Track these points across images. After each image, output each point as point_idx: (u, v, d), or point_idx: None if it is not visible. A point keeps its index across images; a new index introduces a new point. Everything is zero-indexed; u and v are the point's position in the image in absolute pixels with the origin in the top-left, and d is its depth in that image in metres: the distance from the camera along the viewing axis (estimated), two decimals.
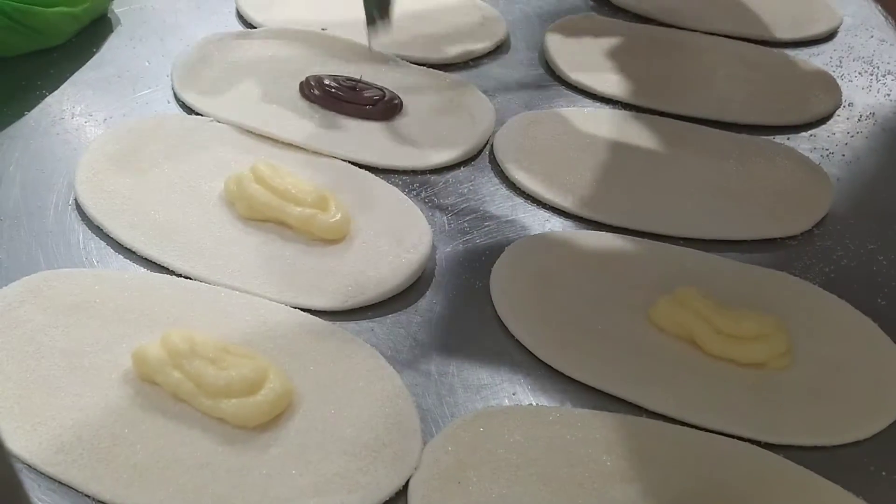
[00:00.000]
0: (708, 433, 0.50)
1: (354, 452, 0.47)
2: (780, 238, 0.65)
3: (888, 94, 0.83)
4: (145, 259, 0.57)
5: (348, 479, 0.45)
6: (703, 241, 0.64)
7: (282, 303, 0.55)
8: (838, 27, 0.92)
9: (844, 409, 0.52)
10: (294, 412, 0.48)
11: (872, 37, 0.92)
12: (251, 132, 0.68)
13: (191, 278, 0.56)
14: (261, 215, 0.60)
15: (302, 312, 0.54)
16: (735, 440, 0.50)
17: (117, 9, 0.81)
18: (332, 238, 0.59)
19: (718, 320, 0.54)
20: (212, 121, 0.69)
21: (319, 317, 0.55)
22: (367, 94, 0.71)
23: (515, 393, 0.53)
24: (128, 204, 0.60)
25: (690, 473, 0.48)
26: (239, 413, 0.47)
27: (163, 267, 0.57)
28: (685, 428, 0.51)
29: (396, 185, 0.66)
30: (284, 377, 0.49)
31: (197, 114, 0.70)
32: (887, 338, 0.57)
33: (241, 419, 0.47)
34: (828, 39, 0.91)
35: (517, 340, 0.55)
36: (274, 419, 0.48)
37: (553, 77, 0.81)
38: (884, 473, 0.50)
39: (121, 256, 0.57)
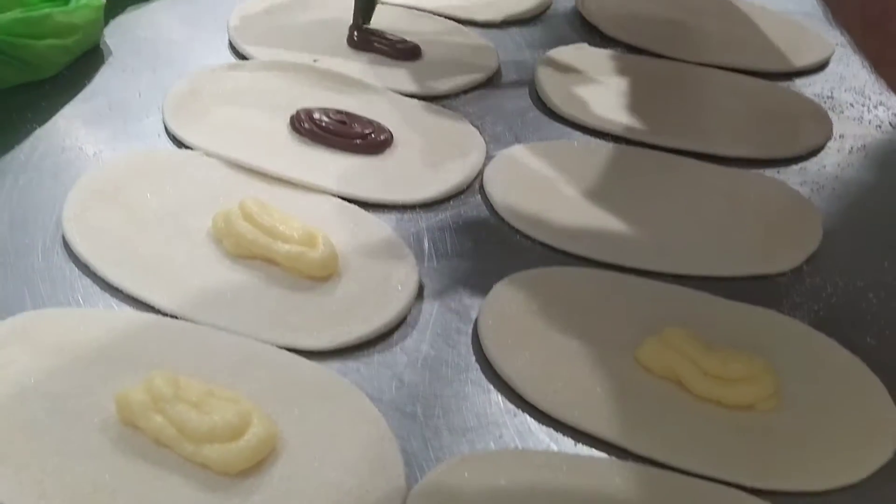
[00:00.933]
0: (695, 478, 0.50)
1: (338, 499, 0.46)
2: (769, 274, 0.65)
3: (879, 126, 0.84)
4: (132, 297, 0.57)
5: None
6: (693, 277, 0.64)
7: (268, 342, 0.55)
8: (830, 57, 0.93)
9: (834, 453, 0.52)
10: (278, 457, 0.48)
11: (864, 67, 0.93)
12: (241, 166, 0.68)
13: (177, 317, 0.56)
14: (248, 252, 0.60)
15: (288, 352, 0.54)
16: (722, 485, 0.50)
17: (109, 40, 0.81)
18: (320, 275, 0.59)
19: (705, 362, 0.54)
20: (202, 154, 0.69)
21: (306, 356, 0.54)
22: (357, 128, 0.71)
23: (502, 435, 0.52)
24: (115, 241, 0.60)
25: None
26: (222, 459, 0.46)
27: (150, 305, 0.56)
28: (671, 472, 0.50)
29: (386, 220, 0.66)
30: (268, 421, 0.48)
31: (187, 147, 0.70)
32: (877, 378, 0.57)
33: (224, 465, 0.46)
34: (819, 70, 0.91)
35: (505, 381, 0.55)
36: (257, 464, 0.47)
37: (544, 109, 0.81)
38: None
39: (107, 295, 0.57)
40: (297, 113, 0.72)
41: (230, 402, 0.48)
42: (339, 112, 0.73)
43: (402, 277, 0.60)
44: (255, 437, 0.47)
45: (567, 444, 0.52)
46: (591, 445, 0.52)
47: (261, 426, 0.48)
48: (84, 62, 0.78)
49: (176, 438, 0.47)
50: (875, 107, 0.86)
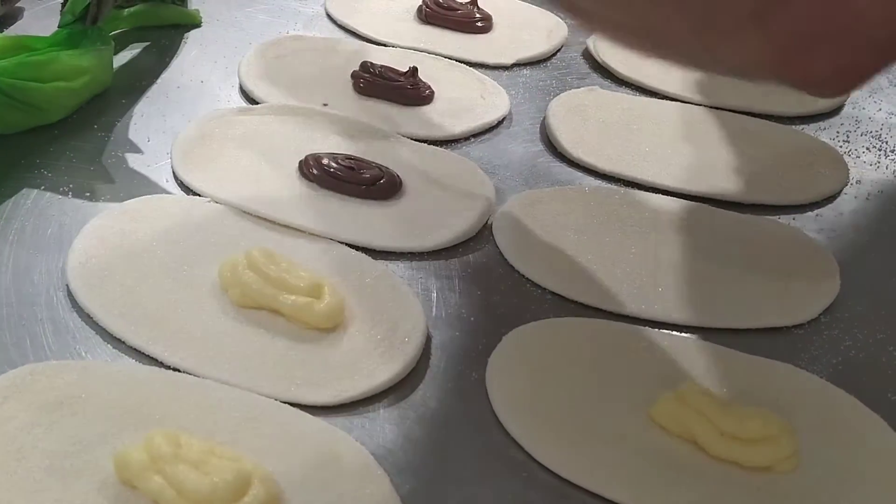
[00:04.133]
0: None
1: None
2: (786, 326, 0.64)
3: None
4: (135, 349, 0.56)
5: None
6: (708, 329, 0.63)
7: (272, 397, 0.53)
8: (845, 100, 0.92)
9: None
10: None
11: (881, 110, 0.92)
12: (248, 213, 0.67)
13: (179, 370, 0.55)
14: (254, 303, 0.59)
15: (291, 408, 0.53)
16: None
17: (119, 83, 0.81)
18: (325, 327, 0.58)
19: (722, 420, 0.52)
20: (209, 201, 0.68)
21: (310, 412, 0.53)
22: (366, 173, 0.71)
23: (510, 496, 0.51)
24: (119, 291, 0.59)
25: None
26: None
27: (152, 357, 0.56)
28: None
29: (394, 267, 0.65)
30: (270, 482, 0.47)
31: (195, 193, 0.69)
32: (893, 434, 0.55)
33: None
34: (834, 114, 0.90)
35: (514, 440, 0.54)
36: None
37: (554, 153, 0.80)
38: None
39: (110, 346, 0.56)
40: (306, 158, 0.72)
41: (232, 462, 0.47)
42: (348, 157, 0.72)
43: (409, 329, 0.59)
44: (256, 500, 0.46)
45: None
46: None
47: (262, 488, 0.46)
48: (93, 105, 0.78)
49: (175, 500, 0.46)
50: (892, 151, 0.85)
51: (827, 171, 0.80)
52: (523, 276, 0.66)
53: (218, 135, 0.75)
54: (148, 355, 0.56)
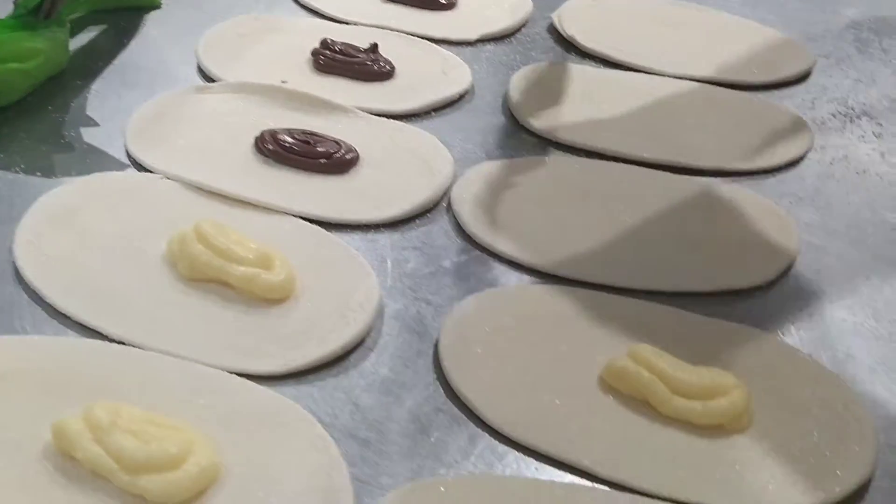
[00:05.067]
0: (660, 501, 0.48)
1: None
2: (744, 289, 0.63)
3: (862, 136, 0.82)
4: (80, 324, 0.55)
5: None
6: (666, 293, 0.62)
7: (218, 367, 0.53)
8: (811, 68, 0.91)
9: (807, 470, 0.50)
10: (221, 487, 0.46)
11: (848, 77, 0.91)
12: (201, 189, 0.66)
13: (125, 343, 0.54)
14: (203, 276, 0.58)
15: (238, 378, 0.52)
16: None
17: (74, 64, 0.80)
18: (276, 298, 0.57)
19: (673, 379, 0.52)
20: (161, 178, 0.67)
21: (257, 381, 0.52)
22: (322, 147, 0.70)
23: (460, 461, 0.50)
24: (66, 267, 0.58)
25: None
26: (159, 489, 0.44)
27: (98, 332, 0.55)
28: (636, 496, 0.48)
29: (349, 240, 0.65)
30: (211, 450, 0.46)
31: (149, 171, 0.69)
32: (852, 392, 0.55)
33: (162, 496, 0.44)
34: (800, 81, 0.90)
35: (464, 403, 0.53)
36: (198, 495, 0.45)
37: (516, 126, 0.79)
38: None
39: (56, 322, 0.55)
40: (262, 134, 0.71)
41: (171, 431, 0.47)
42: (304, 132, 0.72)
43: (362, 298, 0.58)
44: (196, 467, 0.45)
45: (529, 468, 0.50)
46: (555, 468, 0.50)
47: (202, 455, 0.46)
48: (48, 87, 0.77)
49: (112, 469, 0.45)
50: (858, 117, 0.84)
51: (791, 138, 0.79)
52: (481, 246, 0.65)
53: (173, 113, 0.74)
54: (93, 330, 0.55)
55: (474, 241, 0.66)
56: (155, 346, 0.54)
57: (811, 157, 0.78)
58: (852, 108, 0.86)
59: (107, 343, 0.54)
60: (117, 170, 0.69)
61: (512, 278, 0.63)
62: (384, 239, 0.66)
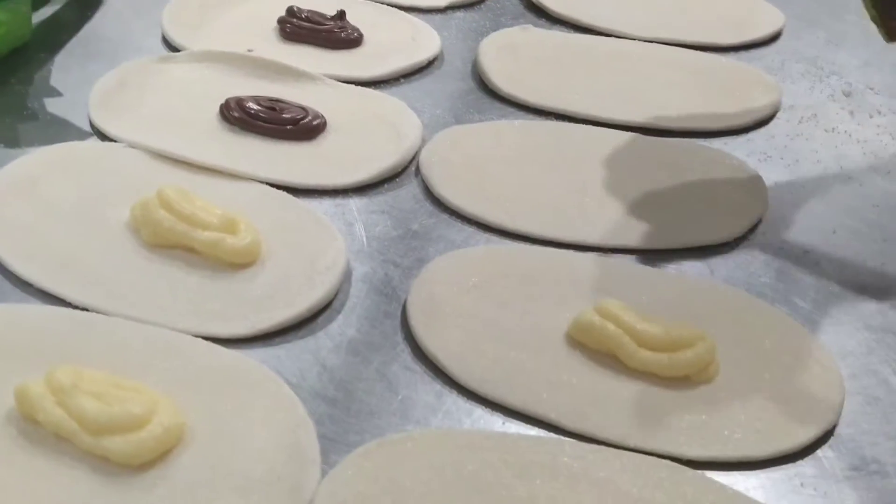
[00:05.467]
0: (627, 451, 0.48)
1: (246, 487, 0.44)
2: (711, 245, 0.63)
3: (832, 95, 0.82)
4: (43, 292, 0.55)
5: None
6: (635, 250, 0.62)
7: (183, 332, 0.52)
8: (782, 28, 0.91)
9: (773, 419, 0.50)
10: (185, 448, 0.46)
11: (818, 37, 0.91)
12: (165, 157, 0.66)
13: (88, 310, 0.53)
14: (167, 241, 0.57)
15: (203, 341, 0.52)
16: (654, 458, 0.47)
17: (38, 36, 0.79)
18: (241, 262, 0.57)
19: (640, 333, 0.52)
20: (125, 146, 0.67)
21: (223, 345, 0.52)
22: (287, 114, 0.69)
23: (427, 417, 0.50)
24: (28, 235, 0.58)
25: (608, 495, 0.45)
26: (121, 450, 0.44)
27: (61, 300, 0.54)
28: (603, 447, 0.48)
29: (317, 205, 0.64)
30: (174, 411, 0.46)
31: (113, 141, 0.68)
32: (821, 346, 0.55)
33: (125, 457, 0.44)
34: (771, 42, 0.89)
35: (432, 361, 0.53)
36: (162, 456, 0.45)
37: (486, 90, 0.79)
38: (814, 490, 0.47)
39: (18, 290, 0.55)
40: (227, 101, 0.70)
41: (135, 392, 0.46)
42: (270, 99, 0.71)
43: (330, 261, 0.58)
44: (159, 427, 0.45)
45: (496, 424, 0.50)
46: (522, 422, 0.50)
47: (166, 415, 0.45)
48: (11, 60, 0.76)
49: (74, 430, 0.44)
50: (827, 76, 0.84)
51: (760, 97, 0.79)
52: (449, 209, 0.65)
53: (137, 82, 0.73)
54: (57, 297, 0.54)
55: (443, 203, 0.65)
56: (119, 312, 0.53)
57: (781, 116, 0.78)
58: (822, 68, 0.86)
59: (70, 310, 0.53)
60: (80, 139, 0.68)
61: (481, 240, 0.63)
62: (352, 204, 0.65)
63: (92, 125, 0.69)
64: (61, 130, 0.69)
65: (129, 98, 0.71)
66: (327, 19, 0.82)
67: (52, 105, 0.72)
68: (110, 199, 0.61)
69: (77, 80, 0.75)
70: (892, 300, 0.59)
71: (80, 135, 0.69)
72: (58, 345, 0.50)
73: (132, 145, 0.66)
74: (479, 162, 0.69)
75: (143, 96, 0.72)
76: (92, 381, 0.46)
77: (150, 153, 0.66)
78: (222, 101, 0.71)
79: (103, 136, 0.68)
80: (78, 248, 0.57)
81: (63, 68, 0.77)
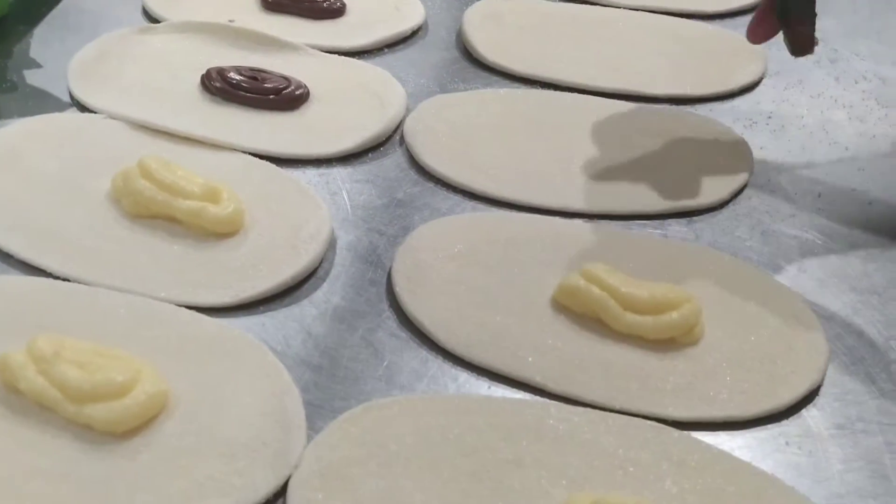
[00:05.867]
0: (613, 413, 0.48)
1: (231, 453, 0.44)
2: (697, 210, 0.63)
3: (817, 61, 0.81)
4: (24, 263, 0.54)
5: (222, 482, 0.43)
6: (621, 216, 0.62)
7: (166, 301, 0.52)
8: None
9: (758, 379, 0.50)
10: (170, 415, 0.45)
11: None
12: (146, 127, 0.65)
13: (70, 281, 0.53)
14: (148, 211, 0.57)
15: (187, 310, 0.52)
16: (640, 419, 0.47)
17: (16, 9, 0.78)
18: (225, 231, 0.56)
19: (625, 295, 0.51)
20: (105, 118, 0.66)
21: (207, 314, 0.52)
22: (270, 83, 0.69)
23: (412, 383, 0.50)
24: (7, 206, 0.57)
25: (594, 456, 0.45)
26: (104, 418, 0.44)
27: (42, 271, 0.54)
28: (588, 409, 0.48)
29: (301, 175, 0.64)
30: (158, 378, 0.46)
31: (93, 112, 0.67)
32: (805, 304, 0.55)
33: (109, 424, 0.44)
34: (756, 7, 0.89)
35: (417, 328, 0.53)
36: (147, 423, 0.45)
37: (471, 59, 0.78)
38: (799, 448, 0.48)
39: (0, 262, 0.55)
40: (208, 71, 0.69)
41: (117, 361, 0.46)
42: (252, 69, 0.70)
43: (314, 230, 0.58)
44: (143, 394, 0.44)
45: (482, 388, 0.50)
46: (508, 386, 0.50)
47: (149, 383, 0.45)
48: None
49: (58, 399, 0.44)
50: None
51: (745, 64, 0.78)
52: (434, 177, 0.65)
53: (117, 53, 0.72)
54: (39, 268, 0.54)
55: (428, 172, 0.65)
56: (101, 283, 0.53)
57: (766, 82, 0.78)
58: None
59: (52, 280, 0.53)
60: (60, 111, 0.67)
61: (466, 208, 0.63)
62: (337, 173, 0.65)
63: (72, 97, 0.68)
64: (41, 102, 0.68)
65: (109, 69, 0.70)
66: None
67: (32, 77, 0.71)
68: (91, 169, 0.60)
69: (56, 51, 0.74)
70: (876, 262, 0.59)
71: (60, 106, 0.68)
72: (40, 315, 0.50)
73: (113, 116, 0.66)
74: (463, 130, 0.68)
75: (123, 67, 0.71)
76: (74, 350, 0.46)
77: (130, 124, 0.65)
78: (203, 71, 0.70)
79: (83, 108, 0.67)
80: (59, 218, 0.57)
81: (42, 40, 0.76)
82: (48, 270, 0.54)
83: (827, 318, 0.55)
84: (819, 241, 0.61)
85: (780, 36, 0.63)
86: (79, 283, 0.53)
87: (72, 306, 0.51)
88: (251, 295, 0.53)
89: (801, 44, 0.61)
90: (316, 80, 0.71)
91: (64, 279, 0.53)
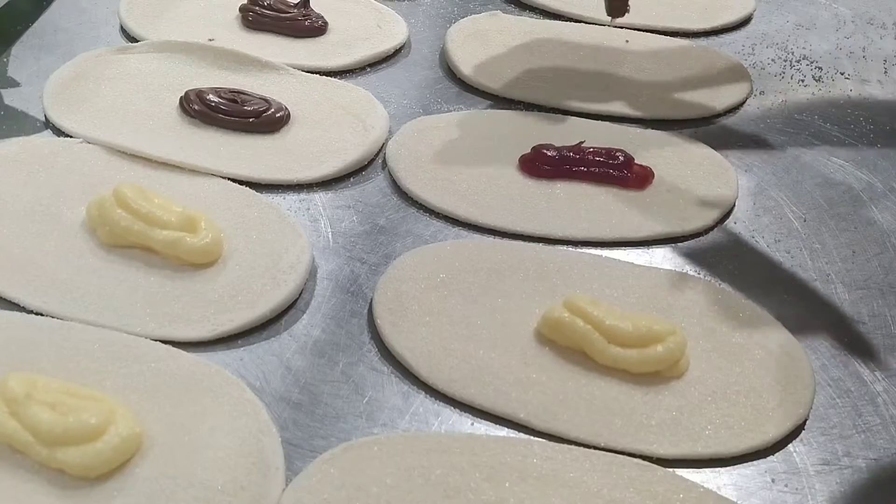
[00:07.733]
0: (597, 451, 0.47)
1: (207, 499, 0.43)
2: (682, 236, 0.62)
3: (802, 80, 0.81)
4: None
5: None
6: (605, 242, 0.61)
7: (142, 336, 0.51)
8: (752, 14, 0.90)
9: (744, 413, 0.49)
10: (144, 457, 0.44)
11: (788, 21, 0.90)
12: (123, 152, 0.64)
13: (43, 314, 0.52)
14: (124, 241, 0.56)
15: (163, 345, 0.50)
16: (624, 457, 0.47)
17: None
18: (202, 262, 0.55)
19: (609, 329, 0.51)
20: (81, 142, 0.65)
21: (184, 349, 0.51)
22: (250, 106, 0.68)
23: (395, 419, 0.49)
24: None
25: (578, 496, 0.45)
26: (78, 462, 0.43)
27: (14, 304, 0.52)
28: (573, 447, 0.47)
29: (281, 201, 0.63)
30: (132, 420, 0.45)
31: (68, 135, 0.66)
32: (790, 336, 0.54)
33: (81, 469, 0.43)
34: (741, 27, 0.89)
35: (399, 362, 0.52)
36: (120, 466, 0.44)
37: (454, 80, 0.77)
38: (785, 486, 0.47)
39: None
40: (187, 94, 0.68)
41: (91, 401, 0.45)
42: (231, 91, 0.69)
43: (293, 260, 0.57)
44: (117, 438, 0.43)
45: (464, 425, 0.49)
46: (491, 423, 0.49)
47: (123, 425, 0.44)
48: None
49: (29, 442, 0.43)
50: (798, 61, 0.84)
51: (730, 84, 0.78)
52: (417, 202, 0.64)
53: (93, 74, 0.71)
54: (9, 301, 0.53)
55: (410, 197, 0.64)
56: (75, 316, 0.52)
57: (751, 102, 0.77)
58: (792, 53, 0.85)
59: (24, 314, 0.52)
60: (36, 132, 0.66)
61: (450, 234, 0.62)
62: (318, 198, 0.64)
63: (47, 119, 0.67)
64: (15, 124, 0.67)
65: (85, 91, 0.69)
66: (291, 7, 0.80)
67: (8, 97, 0.70)
68: (66, 197, 0.59)
69: (32, 72, 0.73)
70: (861, 291, 0.59)
71: (36, 128, 0.67)
72: (10, 352, 0.49)
73: (89, 140, 0.65)
74: (447, 154, 0.67)
75: (99, 89, 0.70)
76: (46, 390, 0.45)
77: (107, 149, 0.64)
78: (182, 92, 0.69)
79: (59, 131, 0.66)
80: (32, 248, 0.55)
81: (18, 60, 0.74)
82: (20, 303, 0.52)
83: (812, 349, 0.54)
84: (805, 270, 0.61)
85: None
86: (52, 316, 0.52)
87: (44, 342, 0.50)
88: (229, 329, 0.52)
89: (617, 7, 0.77)
90: (297, 101, 0.70)
91: (37, 313, 0.52)
